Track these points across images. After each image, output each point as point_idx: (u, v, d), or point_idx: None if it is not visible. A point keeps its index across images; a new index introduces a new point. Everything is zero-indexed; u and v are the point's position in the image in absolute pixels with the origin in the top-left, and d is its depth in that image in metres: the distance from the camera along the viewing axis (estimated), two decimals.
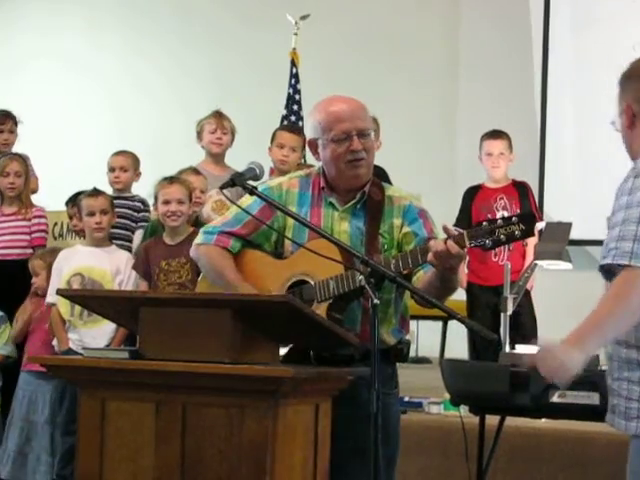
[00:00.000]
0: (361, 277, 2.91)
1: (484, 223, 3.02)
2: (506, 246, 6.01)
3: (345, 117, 3.27)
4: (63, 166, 8.41)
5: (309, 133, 3.39)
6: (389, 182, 5.92)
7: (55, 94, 10.07)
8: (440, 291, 3.14)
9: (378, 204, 3.31)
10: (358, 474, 3.09)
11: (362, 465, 2.90)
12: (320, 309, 3.16)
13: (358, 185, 3.32)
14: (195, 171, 5.56)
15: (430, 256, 3.02)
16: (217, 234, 3.38)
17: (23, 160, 6.31)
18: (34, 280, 5.75)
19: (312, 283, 3.21)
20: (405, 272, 3.13)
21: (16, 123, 6.66)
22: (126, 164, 6.10)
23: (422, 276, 3.22)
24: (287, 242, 3.32)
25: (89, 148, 9.23)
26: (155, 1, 10.15)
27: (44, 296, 5.66)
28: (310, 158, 5.40)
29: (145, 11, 10.16)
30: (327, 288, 3.17)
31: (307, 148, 3.48)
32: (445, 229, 3.03)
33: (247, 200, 3.34)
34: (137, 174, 6.15)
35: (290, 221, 3.30)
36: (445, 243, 2.98)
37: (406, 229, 3.30)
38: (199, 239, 3.44)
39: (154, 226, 5.63)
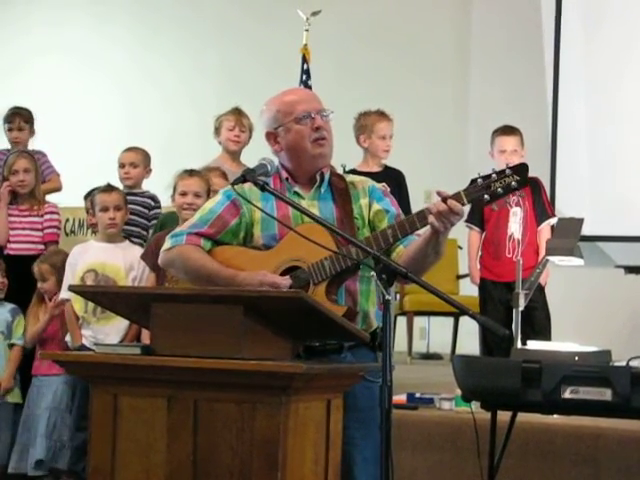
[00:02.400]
0: (372, 273, 2.91)
1: (478, 180, 3.05)
2: (520, 243, 6.00)
3: (302, 100, 3.38)
4: (74, 162, 8.40)
5: (266, 127, 3.41)
6: (406, 186, 5.96)
7: (65, 89, 10.07)
8: (430, 258, 3.18)
9: (344, 190, 3.37)
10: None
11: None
12: (317, 291, 3.17)
13: (322, 165, 3.37)
14: (223, 175, 5.46)
15: (431, 218, 3.05)
16: (186, 235, 3.34)
17: (31, 156, 6.27)
18: (41, 285, 5.70)
19: (305, 267, 3.22)
20: (386, 247, 3.17)
21: (27, 120, 6.61)
22: (136, 160, 6.11)
23: (403, 251, 3.24)
24: (256, 237, 3.33)
25: (100, 144, 9.23)
26: None
27: (51, 299, 5.66)
28: None
29: (156, 6, 10.16)
30: (322, 269, 3.19)
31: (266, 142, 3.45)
32: (439, 193, 3.07)
33: (213, 200, 3.39)
34: (147, 170, 6.15)
35: (257, 216, 3.31)
36: (446, 202, 3.02)
37: (376, 207, 3.35)
38: (167, 244, 3.37)
39: (164, 220, 5.62)
